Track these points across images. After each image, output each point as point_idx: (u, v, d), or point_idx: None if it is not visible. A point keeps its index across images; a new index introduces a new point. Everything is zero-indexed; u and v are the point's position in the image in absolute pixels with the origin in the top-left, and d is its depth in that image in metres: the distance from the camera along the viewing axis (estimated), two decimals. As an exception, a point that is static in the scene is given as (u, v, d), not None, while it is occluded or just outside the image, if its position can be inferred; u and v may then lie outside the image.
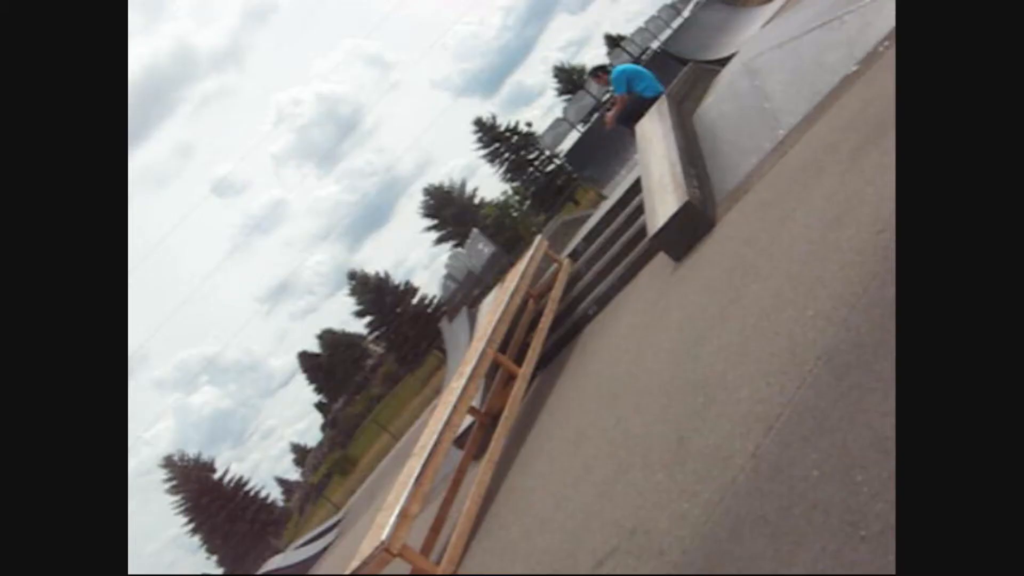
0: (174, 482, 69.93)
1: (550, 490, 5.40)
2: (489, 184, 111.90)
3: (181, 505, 69.32)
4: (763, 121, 7.28)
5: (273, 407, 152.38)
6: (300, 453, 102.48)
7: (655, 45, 26.49)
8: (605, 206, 11.31)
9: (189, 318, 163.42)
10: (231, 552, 66.35)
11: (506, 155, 69.21)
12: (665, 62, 19.30)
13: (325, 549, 22.37)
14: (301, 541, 28.16)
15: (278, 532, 62.92)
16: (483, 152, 70.22)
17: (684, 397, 4.32)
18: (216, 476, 71.64)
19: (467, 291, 20.88)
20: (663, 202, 7.13)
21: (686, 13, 34.15)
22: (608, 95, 25.71)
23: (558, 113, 35.71)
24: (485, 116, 71.38)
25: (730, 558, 2.74)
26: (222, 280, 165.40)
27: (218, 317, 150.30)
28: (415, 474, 6.48)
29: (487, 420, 8.60)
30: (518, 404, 7.90)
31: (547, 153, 60.71)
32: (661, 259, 7.40)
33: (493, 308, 9.89)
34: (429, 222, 71.19)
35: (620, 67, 11.45)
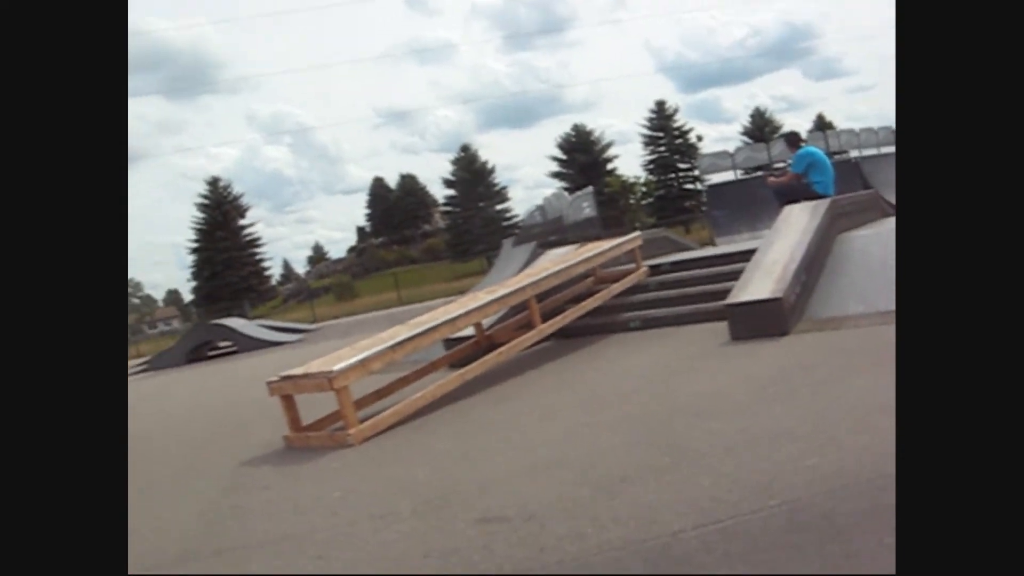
0: (206, 201, 71.54)
1: (490, 436, 5.51)
2: (629, 161, 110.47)
3: (198, 223, 70.98)
4: (892, 287, 7.15)
5: (325, 202, 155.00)
6: (318, 255, 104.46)
7: (854, 154, 25.73)
8: (710, 250, 11.20)
9: (310, 83, 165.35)
10: (208, 289, 68.06)
11: (661, 148, 68.37)
12: (852, 173, 18.79)
13: (279, 344, 22.88)
14: (267, 322, 28.80)
15: (256, 301, 64.29)
16: (644, 131, 69.46)
17: (643, 443, 4.38)
18: (241, 222, 73.10)
19: (546, 231, 20.79)
20: (760, 283, 7.07)
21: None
22: (783, 164, 25.21)
23: (730, 146, 35.05)
24: (669, 103, 70.42)
25: None
26: (361, 70, 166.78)
27: (334, 96, 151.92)
28: (397, 339, 6.61)
29: (483, 343, 8.70)
30: (518, 350, 7.96)
31: (696, 173, 59.85)
32: (720, 327, 7.37)
33: (557, 261, 9.90)
34: (558, 154, 70.74)
35: (812, 149, 11.19)
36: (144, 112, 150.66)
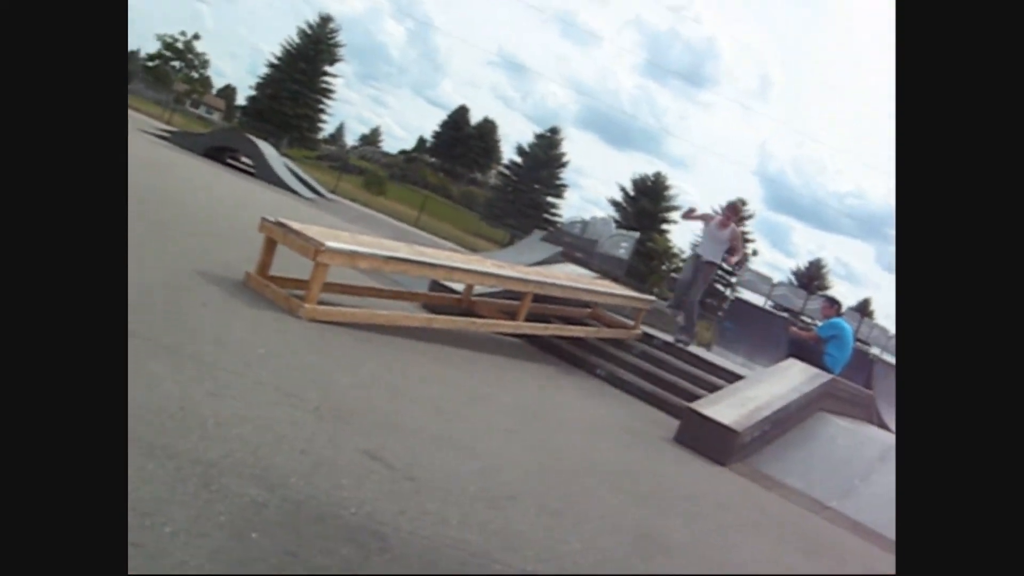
0: (308, 31, 71.27)
1: (400, 379, 5.53)
2: (683, 232, 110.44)
3: (289, 44, 70.74)
4: (841, 478, 7.18)
5: (406, 98, 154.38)
6: (372, 138, 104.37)
7: (875, 351, 25.79)
8: (703, 352, 11.19)
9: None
10: (261, 106, 67.96)
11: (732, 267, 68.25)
12: (862, 367, 18.79)
13: (291, 191, 22.82)
14: (293, 166, 28.59)
15: (295, 143, 64.07)
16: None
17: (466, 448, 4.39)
18: (326, 68, 72.83)
19: (576, 246, 20.80)
20: (728, 408, 7.07)
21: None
22: (809, 320, 25.22)
23: (775, 276, 35.04)
24: (749, 207, 70.19)
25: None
26: (507, 5, 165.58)
27: (471, 12, 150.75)
28: (395, 253, 6.60)
29: (464, 305, 8.69)
30: (489, 329, 7.96)
31: (732, 279, 59.85)
32: (669, 424, 7.38)
33: (572, 277, 9.90)
34: (628, 188, 70.49)
35: (844, 324, 11.14)
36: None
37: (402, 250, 6.93)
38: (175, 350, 4.15)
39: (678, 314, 10.75)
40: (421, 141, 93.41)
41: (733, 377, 9.14)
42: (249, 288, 6.24)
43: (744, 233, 67.38)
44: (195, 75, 77.14)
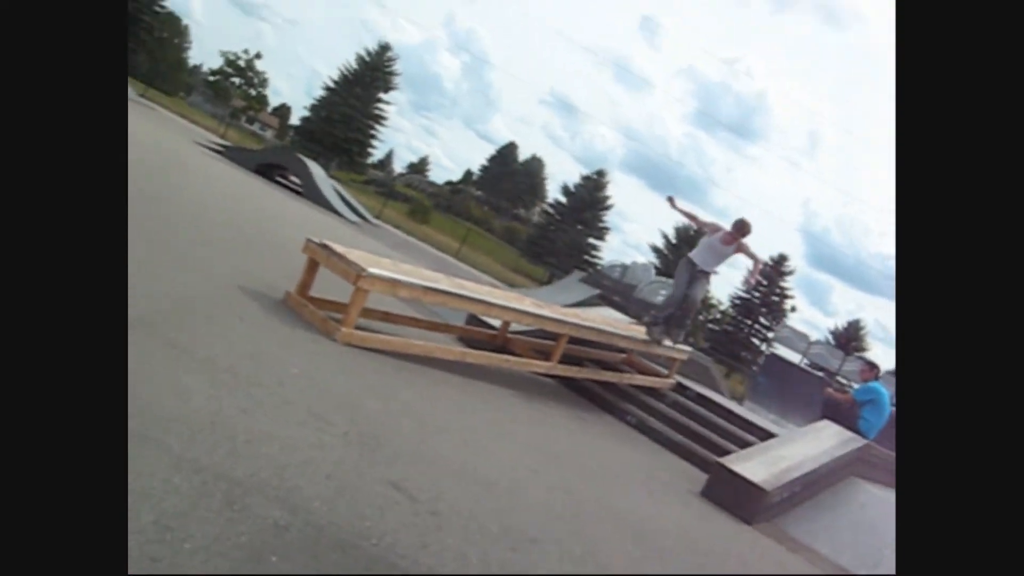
0: (366, 58, 72.40)
1: (435, 410, 5.51)
2: (721, 283, 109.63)
3: (346, 69, 71.87)
4: (869, 546, 7.01)
5: (456, 130, 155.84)
6: (420, 167, 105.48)
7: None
8: (735, 406, 11.03)
9: (512, 27, 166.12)
10: (313, 127, 68.97)
11: (756, 293, 67.58)
12: (894, 434, 18.45)
13: (336, 213, 23.03)
14: (340, 188, 28.81)
15: (343, 166, 64.87)
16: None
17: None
18: (380, 95, 73.79)
19: (614, 289, 20.73)
20: (759, 466, 6.94)
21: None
22: (846, 382, 24.82)
23: (813, 334, 34.62)
24: (790, 263, 69.59)
25: None
26: (561, 46, 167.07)
27: (526, 51, 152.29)
28: (436, 284, 6.60)
29: (499, 341, 8.67)
30: (523, 368, 7.93)
31: (770, 334, 59.26)
32: (698, 477, 7.27)
33: (608, 321, 9.84)
34: (670, 235, 70.21)
35: (882, 389, 10.91)
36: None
37: (442, 282, 6.93)
38: (210, 363, 4.18)
39: (656, 328, 9.66)
40: (468, 173, 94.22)
41: (765, 434, 9.00)
42: (288, 307, 6.27)
43: (783, 289, 66.87)
44: (253, 92, 78.53)
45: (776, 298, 66.96)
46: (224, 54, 75.41)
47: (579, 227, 70.49)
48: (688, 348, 11.07)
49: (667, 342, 9.62)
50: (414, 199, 65.99)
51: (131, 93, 35.28)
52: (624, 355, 10.41)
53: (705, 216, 10.35)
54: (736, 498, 6.60)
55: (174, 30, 74.31)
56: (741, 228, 9.53)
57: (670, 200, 10.11)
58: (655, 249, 69.69)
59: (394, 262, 6.90)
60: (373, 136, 74.95)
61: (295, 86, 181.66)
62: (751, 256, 9.58)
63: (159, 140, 19.76)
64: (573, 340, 8.53)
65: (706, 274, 9.69)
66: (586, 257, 67.72)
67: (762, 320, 66.28)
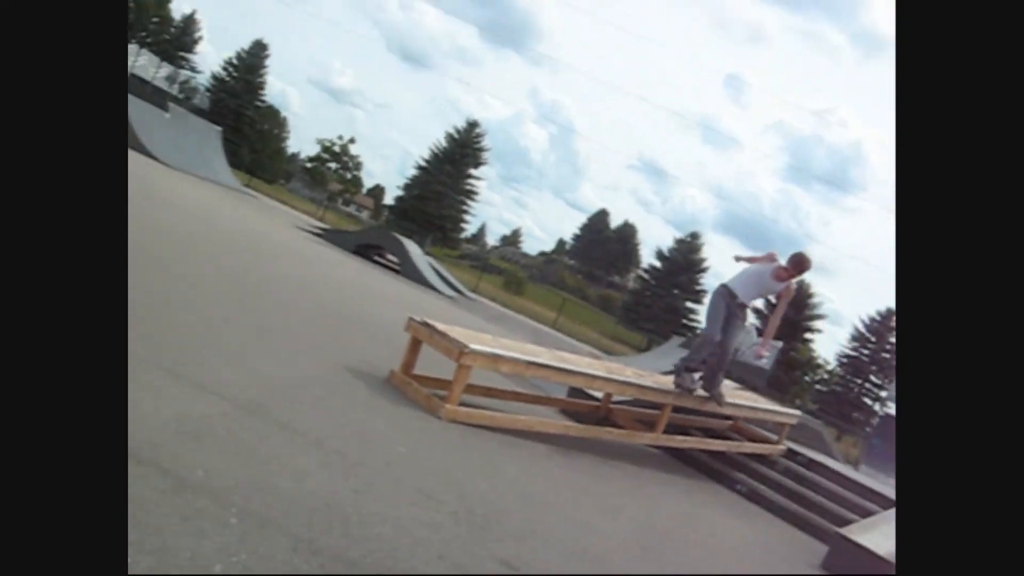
0: (455, 135, 74.17)
1: (539, 487, 5.45)
2: (827, 342, 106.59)
3: (436, 147, 73.65)
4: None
5: (547, 200, 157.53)
6: (512, 239, 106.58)
7: None
8: (850, 471, 10.59)
9: (599, 97, 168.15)
10: (407, 206, 70.69)
11: (865, 352, 65.24)
12: None
13: (434, 290, 23.38)
14: (436, 264, 29.28)
15: (437, 242, 66.11)
16: (861, 326, 66.65)
17: None
18: (471, 171, 75.31)
19: (704, 351, 20.30)
20: (880, 534, 6.63)
21: None
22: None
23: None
24: (892, 308, 67.16)
25: None
26: (646, 109, 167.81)
27: (609, 116, 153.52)
28: (536, 358, 6.61)
29: (602, 413, 8.60)
30: (627, 439, 7.82)
31: (883, 394, 57.09)
32: (816, 548, 6.98)
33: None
34: (769, 297, 68.73)
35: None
36: (453, 31, 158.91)
37: (543, 355, 6.94)
38: (321, 444, 4.26)
39: (687, 377, 8.10)
40: (561, 243, 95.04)
41: (886, 501, 8.59)
42: (392, 385, 6.36)
43: (893, 345, 64.40)
44: (348, 176, 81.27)
45: (886, 355, 64.48)
46: (320, 141, 78.69)
47: (675, 291, 69.89)
48: (796, 412, 10.75)
49: (700, 392, 8.18)
50: (508, 271, 66.66)
51: (236, 184, 36.97)
52: (731, 421, 10.16)
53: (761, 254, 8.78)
54: (860, 572, 6.31)
55: (274, 122, 77.76)
56: (799, 264, 8.06)
57: (736, 259, 8.78)
58: (755, 310, 68.30)
59: (495, 337, 6.95)
60: (465, 211, 76.43)
61: (388, 167, 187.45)
62: (777, 309, 8.30)
63: (264, 228, 20.55)
64: (677, 408, 8.38)
65: (743, 307, 8.23)
66: (684, 321, 66.90)
67: (872, 378, 63.91)
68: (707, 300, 8.97)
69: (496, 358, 6.20)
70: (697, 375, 8.11)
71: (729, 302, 8.02)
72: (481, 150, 76.69)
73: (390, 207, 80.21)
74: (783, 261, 8.09)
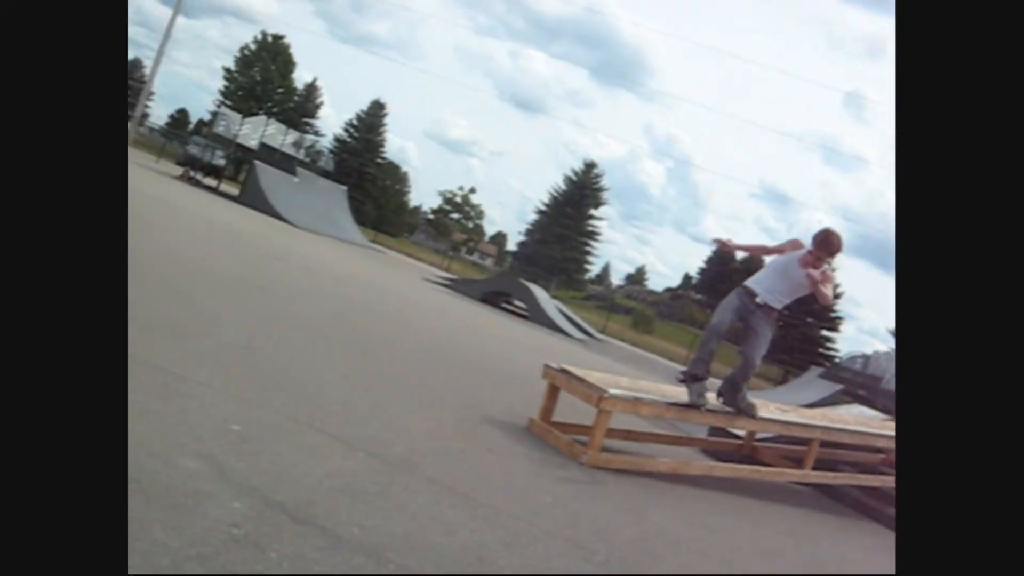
0: (573, 177, 74.50)
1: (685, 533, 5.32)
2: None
3: (555, 190, 74.10)
4: None
5: (669, 235, 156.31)
6: (637, 277, 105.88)
7: None
8: None
9: (717, 126, 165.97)
10: (530, 250, 71.22)
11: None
12: None
13: (564, 333, 23.39)
14: (564, 308, 29.34)
15: (562, 284, 66.29)
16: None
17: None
18: (592, 211, 75.38)
19: (858, 383, 19.47)
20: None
21: None
22: None
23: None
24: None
25: None
26: (766, 136, 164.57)
27: (729, 143, 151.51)
28: (676, 399, 6.51)
29: (746, 451, 8.37)
30: (774, 477, 7.58)
31: None
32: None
33: (860, 420, 9.26)
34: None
35: None
36: (563, 75, 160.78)
37: (683, 396, 6.82)
38: (468, 497, 4.29)
39: (695, 387, 6.67)
40: (686, 278, 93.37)
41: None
42: (532, 433, 6.37)
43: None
44: (471, 225, 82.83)
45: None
46: (442, 193, 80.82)
47: (809, 320, 67.68)
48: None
49: (717, 404, 6.89)
50: (635, 310, 66.13)
51: (363, 240, 38.22)
52: (883, 455, 9.70)
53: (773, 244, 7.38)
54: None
55: (395, 177, 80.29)
56: (826, 243, 6.53)
57: (717, 242, 7.41)
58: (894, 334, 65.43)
59: (632, 380, 6.88)
60: (588, 252, 76.62)
61: (507, 213, 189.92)
62: (817, 290, 6.40)
63: (393, 282, 21.11)
64: (825, 443, 8.07)
65: (767, 308, 6.69)
66: (821, 350, 64.64)
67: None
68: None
69: (636, 401, 6.14)
70: (704, 384, 6.74)
71: (746, 301, 6.71)
72: (600, 190, 76.92)
73: (513, 253, 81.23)
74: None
